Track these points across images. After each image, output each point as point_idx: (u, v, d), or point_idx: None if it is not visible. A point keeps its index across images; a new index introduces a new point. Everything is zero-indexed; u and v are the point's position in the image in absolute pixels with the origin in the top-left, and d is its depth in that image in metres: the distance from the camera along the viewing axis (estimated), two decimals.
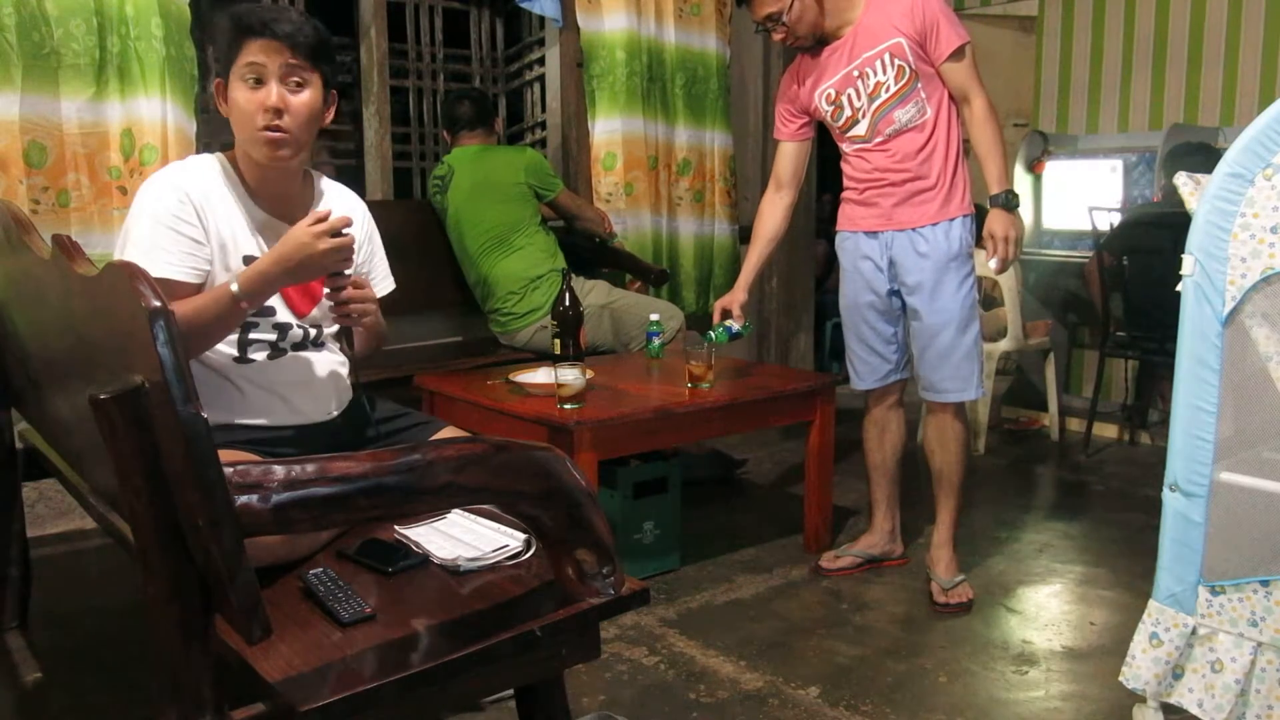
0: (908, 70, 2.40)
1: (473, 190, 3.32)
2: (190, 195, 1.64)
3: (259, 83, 1.64)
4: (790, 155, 2.66)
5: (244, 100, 1.64)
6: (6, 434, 2.18)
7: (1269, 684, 1.64)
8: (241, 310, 1.59)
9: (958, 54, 2.38)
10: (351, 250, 1.63)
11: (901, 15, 2.38)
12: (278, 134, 1.65)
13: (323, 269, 1.62)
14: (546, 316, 3.21)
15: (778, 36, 2.47)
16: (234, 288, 1.57)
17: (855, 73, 2.45)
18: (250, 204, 1.72)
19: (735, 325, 2.63)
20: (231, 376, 1.71)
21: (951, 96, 2.44)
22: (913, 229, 2.48)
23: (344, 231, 1.61)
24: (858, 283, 2.61)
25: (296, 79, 1.66)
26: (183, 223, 1.63)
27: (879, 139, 2.48)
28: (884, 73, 2.42)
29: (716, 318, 2.66)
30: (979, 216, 2.47)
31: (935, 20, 2.36)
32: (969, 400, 2.54)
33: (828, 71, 2.50)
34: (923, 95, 2.42)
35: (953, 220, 2.46)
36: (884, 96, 2.44)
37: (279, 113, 1.64)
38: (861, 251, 2.58)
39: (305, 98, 1.67)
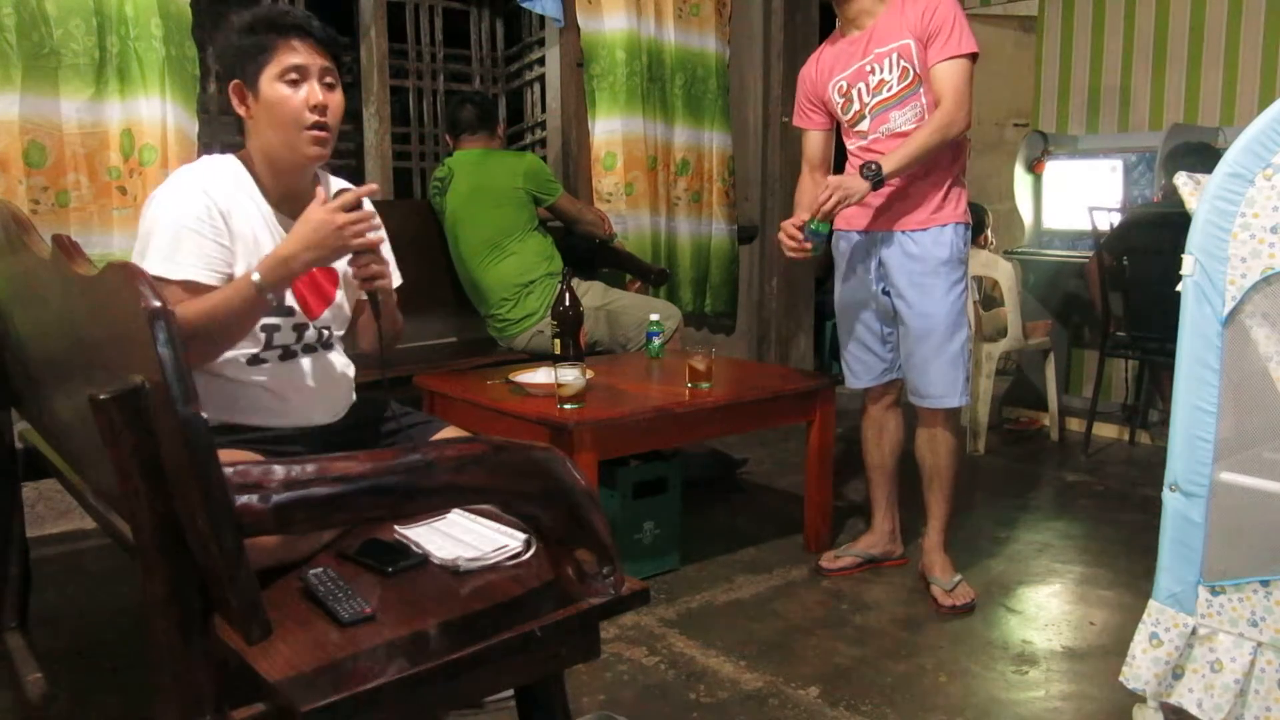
0: (911, 73, 2.39)
1: (471, 194, 3.32)
2: (216, 201, 1.63)
3: (297, 83, 1.64)
4: (816, 141, 2.65)
5: (285, 99, 1.64)
6: (6, 434, 2.17)
7: (1268, 684, 1.64)
8: (264, 302, 1.55)
9: (951, 60, 2.34)
10: (372, 219, 1.60)
11: (915, 16, 2.37)
12: (324, 132, 1.67)
13: (346, 247, 1.57)
14: (542, 321, 3.21)
15: None
16: (255, 278, 1.53)
17: (868, 67, 2.43)
18: (265, 205, 1.72)
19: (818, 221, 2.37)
20: (242, 378, 1.69)
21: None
22: (903, 231, 2.47)
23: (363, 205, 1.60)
24: (851, 281, 2.61)
25: (330, 79, 1.68)
26: (207, 226, 1.62)
27: (874, 136, 2.47)
28: (889, 72, 2.41)
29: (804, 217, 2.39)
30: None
31: (944, 24, 2.34)
32: (954, 407, 2.53)
33: (843, 62, 2.48)
34: (923, 101, 2.40)
35: (944, 226, 2.45)
36: (884, 95, 2.43)
37: (324, 110, 1.66)
38: (855, 250, 2.58)
39: (338, 96, 1.70)
